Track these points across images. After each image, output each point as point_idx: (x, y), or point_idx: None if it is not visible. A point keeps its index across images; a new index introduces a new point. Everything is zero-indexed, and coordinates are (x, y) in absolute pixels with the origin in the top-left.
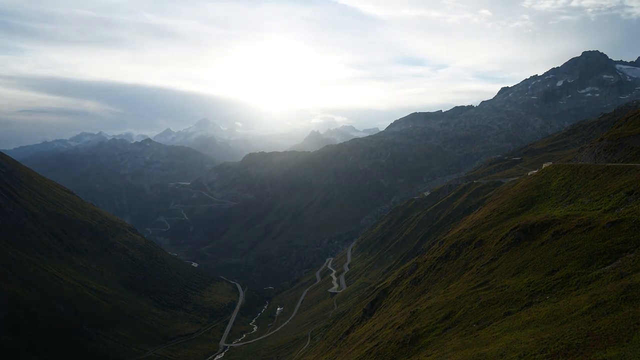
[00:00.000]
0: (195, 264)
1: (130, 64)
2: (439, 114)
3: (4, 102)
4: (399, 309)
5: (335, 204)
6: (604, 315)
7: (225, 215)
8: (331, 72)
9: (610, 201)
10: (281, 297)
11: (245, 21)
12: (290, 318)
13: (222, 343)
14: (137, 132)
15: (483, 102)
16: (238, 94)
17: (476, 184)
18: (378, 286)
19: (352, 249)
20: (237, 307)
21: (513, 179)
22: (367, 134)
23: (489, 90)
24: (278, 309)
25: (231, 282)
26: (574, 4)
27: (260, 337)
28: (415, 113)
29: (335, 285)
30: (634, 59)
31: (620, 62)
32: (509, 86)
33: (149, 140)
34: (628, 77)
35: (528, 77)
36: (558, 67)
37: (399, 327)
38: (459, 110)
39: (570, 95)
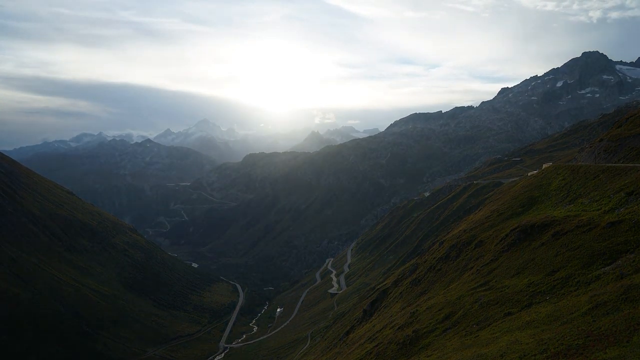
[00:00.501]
0: (195, 265)
1: (114, 63)
2: (439, 115)
3: None
4: (399, 310)
5: (336, 205)
6: (604, 315)
7: (225, 216)
8: (322, 71)
9: (610, 202)
10: (281, 298)
11: (229, 19)
12: (290, 319)
13: (222, 344)
14: (130, 132)
15: (483, 102)
16: (229, 94)
17: (476, 184)
18: (378, 287)
19: (352, 250)
20: (237, 308)
21: (513, 179)
22: (367, 135)
23: (485, 89)
24: (278, 309)
25: (231, 282)
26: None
27: (260, 338)
28: (416, 113)
29: (335, 286)
30: (634, 59)
31: (620, 62)
32: (509, 86)
33: (149, 140)
34: (628, 77)
35: (528, 77)
36: (558, 67)
37: (399, 328)
38: (459, 111)
39: (570, 96)
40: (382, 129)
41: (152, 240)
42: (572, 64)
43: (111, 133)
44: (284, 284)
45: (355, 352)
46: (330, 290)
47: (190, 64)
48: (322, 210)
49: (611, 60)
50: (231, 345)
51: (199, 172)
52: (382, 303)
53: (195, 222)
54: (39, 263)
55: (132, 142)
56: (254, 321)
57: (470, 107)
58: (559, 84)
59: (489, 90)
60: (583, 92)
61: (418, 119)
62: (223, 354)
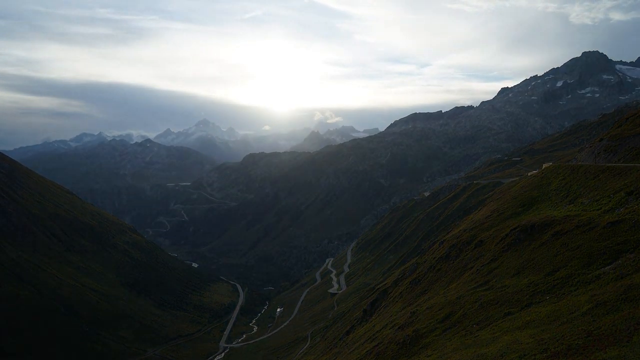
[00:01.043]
0: (195, 265)
1: (98, 61)
2: (439, 114)
3: None
4: (399, 310)
5: (335, 204)
6: (604, 315)
7: (225, 216)
8: (312, 70)
9: (610, 201)
10: (281, 298)
11: (209, 17)
12: (290, 318)
13: (222, 343)
14: (130, 132)
15: (483, 102)
16: (219, 93)
17: (476, 184)
18: (378, 286)
19: (352, 249)
20: (237, 308)
21: (513, 179)
22: (367, 134)
23: (481, 88)
24: (278, 309)
25: (231, 282)
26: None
27: (261, 338)
28: (416, 113)
29: (336, 286)
30: (634, 59)
31: (620, 62)
32: (509, 86)
33: (149, 140)
34: (628, 77)
35: (522, 76)
36: (558, 67)
37: (399, 328)
38: (459, 111)
39: (570, 96)
40: (373, 128)
41: (152, 240)
42: (572, 64)
43: (111, 133)
44: (284, 284)
45: (355, 352)
46: (330, 290)
47: (177, 62)
48: (322, 210)
49: (611, 60)
50: (231, 345)
51: (199, 172)
52: (382, 303)
53: (195, 222)
54: (39, 263)
55: (132, 142)
56: (254, 321)
57: (470, 107)
58: (559, 84)
59: (485, 90)
60: (583, 92)
61: (418, 118)
62: (223, 354)
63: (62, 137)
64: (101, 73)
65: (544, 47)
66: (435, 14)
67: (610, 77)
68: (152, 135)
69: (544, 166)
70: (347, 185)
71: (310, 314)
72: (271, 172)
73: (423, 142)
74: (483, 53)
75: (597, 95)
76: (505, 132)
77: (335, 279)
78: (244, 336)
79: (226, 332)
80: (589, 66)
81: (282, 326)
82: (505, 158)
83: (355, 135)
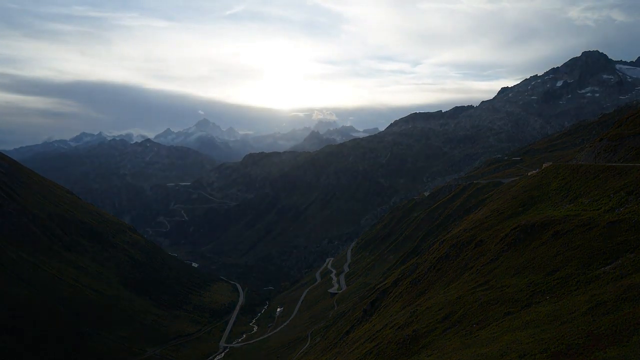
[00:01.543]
0: (195, 264)
1: (78, 59)
2: (439, 114)
3: None
4: (399, 309)
5: (335, 204)
6: (604, 315)
7: (225, 216)
8: (302, 68)
9: (610, 201)
10: (281, 298)
11: (190, 14)
12: (290, 318)
13: (222, 343)
14: (130, 132)
15: (483, 102)
16: (211, 93)
17: (476, 184)
18: (378, 286)
19: (352, 249)
20: (237, 308)
21: (513, 179)
22: (367, 134)
23: (476, 87)
24: (278, 309)
25: (231, 282)
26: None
27: (261, 338)
28: (416, 113)
29: (336, 286)
30: (634, 59)
31: (620, 62)
32: (508, 86)
33: (149, 140)
34: (628, 77)
35: (527, 76)
36: (558, 67)
37: (399, 328)
38: (459, 110)
39: (570, 95)
40: (373, 128)
41: (152, 240)
42: (572, 64)
43: (110, 133)
44: (284, 283)
45: (355, 351)
46: (330, 290)
47: (162, 61)
48: (322, 210)
49: (611, 59)
50: (231, 345)
51: (199, 172)
52: (382, 303)
53: (195, 222)
54: (39, 263)
55: (132, 142)
56: (254, 321)
57: (470, 107)
58: (559, 84)
59: (480, 89)
60: (583, 91)
61: (418, 118)
62: (223, 354)
63: (55, 137)
64: (86, 72)
65: (539, 46)
66: (425, 13)
67: (610, 77)
68: (151, 135)
69: (544, 166)
70: (347, 185)
71: (310, 313)
72: (271, 172)
73: (423, 142)
74: (476, 51)
75: (597, 95)
76: (505, 132)
77: (335, 278)
78: (244, 336)
79: (226, 332)
80: (589, 66)
81: (282, 326)
82: (505, 158)
83: (355, 135)
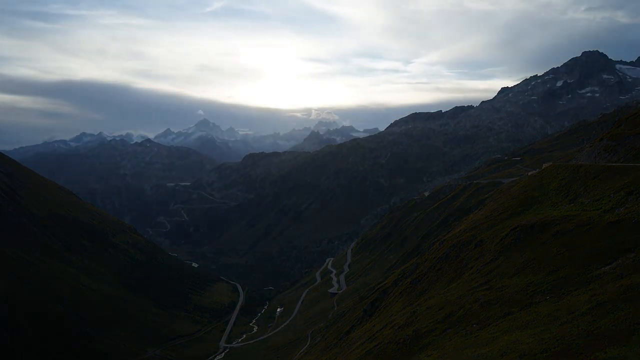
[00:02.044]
0: (195, 264)
1: (55, 57)
2: (438, 114)
3: None
4: (399, 309)
5: (336, 204)
6: (604, 315)
7: (225, 216)
8: (290, 67)
9: (610, 201)
10: (281, 298)
11: (167, 11)
12: (291, 318)
13: (223, 343)
14: (129, 132)
15: (483, 102)
16: (198, 92)
17: (476, 184)
18: (378, 286)
19: (352, 249)
20: (237, 308)
21: (513, 179)
22: (367, 134)
23: (472, 87)
24: (278, 309)
25: (231, 282)
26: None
27: (261, 338)
28: (416, 113)
29: (336, 286)
30: (634, 59)
31: (620, 62)
32: (509, 86)
33: (149, 140)
34: (628, 77)
35: (527, 76)
36: (558, 67)
37: (399, 328)
38: (458, 110)
39: (570, 95)
40: (373, 128)
41: (152, 240)
42: (572, 64)
43: (110, 133)
44: (284, 283)
45: (355, 351)
46: (330, 290)
47: (144, 59)
48: (322, 210)
49: (611, 59)
50: (231, 345)
51: (199, 172)
52: (382, 303)
53: (195, 222)
54: (39, 263)
55: (132, 142)
56: (254, 321)
57: (470, 107)
58: (559, 84)
59: (476, 88)
60: (583, 91)
61: (418, 118)
62: (223, 354)
63: (47, 137)
64: (72, 71)
65: (536, 45)
66: (415, 12)
67: (610, 76)
68: (152, 135)
69: (544, 166)
70: (347, 186)
71: (310, 313)
72: (271, 172)
73: (423, 142)
74: (469, 50)
75: (597, 95)
76: (505, 132)
77: (335, 278)
78: (244, 336)
79: (226, 332)
80: (589, 66)
81: (282, 326)
82: (505, 158)
83: (355, 135)
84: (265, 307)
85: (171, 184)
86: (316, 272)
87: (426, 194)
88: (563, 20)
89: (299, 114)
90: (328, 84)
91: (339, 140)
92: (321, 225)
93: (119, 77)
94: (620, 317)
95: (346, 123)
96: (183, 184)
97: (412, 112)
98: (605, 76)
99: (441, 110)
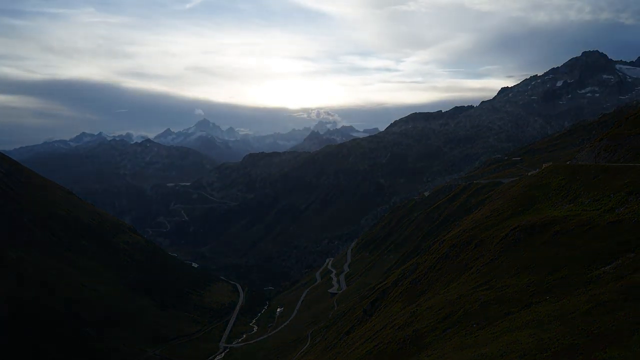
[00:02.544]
0: (195, 264)
1: (36, 55)
2: (438, 114)
3: None
4: (399, 309)
5: (335, 204)
6: (604, 315)
7: (225, 216)
8: (277, 65)
9: (610, 201)
10: (281, 298)
11: (147, 8)
12: (290, 318)
13: (222, 343)
14: (130, 132)
15: (483, 102)
16: (188, 91)
17: (476, 184)
18: (378, 286)
19: (352, 249)
20: (237, 308)
21: (513, 179)
22: (367, 134)
23: (468, 86)
24: (278, 309)
25: (231, 282)
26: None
27: (261, 338)
28: (415, 113)
29: (336, 286)
30: (634, 59)
31: (620, 62)
32: (509, 86)
33: (149, 140)
34: (628, 77)
35: (528, 77)
36: (558, 67)
37: (399, 328)
38: (458, 110)
39: (570, 95)
40: (373, 128)
41: (152, 240)
42: (572, 64)
43: (110, 133)
44: (284, 283)
45: (356, 352)
46: (330, 290)
47: (131, 58)
48: (322, 210)
49: (611, 59)
50: (231, 345)
51: (199, 172)
52: (382, 303)
53: (195, 222)
54: (39, 263)
55: (132, 142)
56: (254, 321)
57: (470, 107)
58: (559, 84)
59: (472, 87)
60: (583, 91)
61: (418, 118)
62: (223, 354)
63: (43, 137)
64: (57, 69)
65: (533, 45)
66: (405, 12)
67: (610, 77)
68: (151, 135)
69: (544, 166)
70: (347, 185)
71: (310, 314)
72: (271, 172)
73: (423, 142)
74: (461, 48)
75: (597, 95)
76: (505, 132)
77: (335, 278)
78: (244, 336)
79: (226, 332)
80: (589, 66)
81: (282, 326)
82: (505, 158)
83: (355, 135)
84: (265, 307)
85: (171, 184)
86: (316, 272)
87: (426, 194)
88: (559, 21)
89: (295, 114)
90: (320, 83)
91: (339, 140)
92: (321, 225)
93: (107, 77)
94: (620, 317)
95: (346, 123)
96: (183, 184)
97: (409, 111)
98: (605, 76)
99: (441, 110)
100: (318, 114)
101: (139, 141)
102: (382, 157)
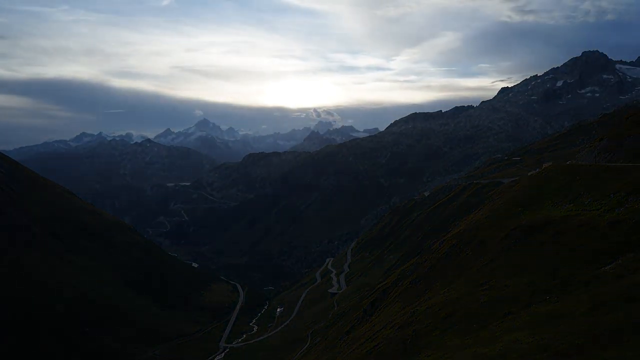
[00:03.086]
0: (195, 264)
1: (17, 53)
2: (439, 114)
3: None
4: (399, 309)
5: (335, 204)
6: (604, 315)
7: (225, 216)
8: (267, 63)
9: (611, 201)
10: (281, 298)
11: (123, 6)
12: (290, 318)
13: (222, 343)
14: (130, 132)
15: (483, 102)
16: (178, 91)
17: (476, 184)
18: (378, 286)
19: (352, 249)
20: (237, 308)
21: (513, 179)
22: (367, 134)
23: (463, 85)
24: (278, 309)
25: (231, 282)
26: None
27: (261, 338)
28: (415, 113)
29: (336, 286)
30: (634, 59)
31: (620, 62)
32: (509, 86)
33: (148, 140)
34: (628, 77)
35: (528, 77)
36: (558, 67)
37: (399, 327)
38: (459, 110)
39: (570, 95)
40: (373, 128)
41: (152, 240)
42: (572, 64)
43: (110, 133)
44: (284, 283)
45: (356, 351)
46: (330, 290)
47: (117, 56)
48: (322, 209)
49: (611, 59)
50: (231, 345)
51: (199, 172)
52: (382, 303)
53: (195, 221)
54: (39, 263)
55: (132, 142)
56: (254, 321)
57: (470, 107)
58: (559, 84)
59: (467, 86)
60: (583, 91)
61: (418, 118)
62: (223, 354)
63: (40, 137)
64: (41, 68)
65: (529, 44)
66: (395, 8)
67: (610, 76)
68: (151, 135)
69: (544, 166)
70: (347, 185)
71: (310, 313)
72: (271, 172)
73: (423, 142)
74: (454, 46)
75: (597, 95)
76: (505, 132)
77: (335, 278)
78: (244, 336)
79: (226, 332)
80: (589, 66)
81: (282, 326)
82: (505, 158)
83: (355, 135)
84: (265, 307)
85: (171, 184)
86: (316, 272)
87: (426, 194)
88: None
89: (294, 114)
90: (313, 82)
91: (338, 140)
92: (321, 225)
93: (95, 76)
94: (620, 317)
95: (346, 123)
96: (183, 184)
97: (407, 111)
98: (605, 76)
99: (441, 110)
100: (318, 113)
101: (139, 141)
102: (382, 157)
